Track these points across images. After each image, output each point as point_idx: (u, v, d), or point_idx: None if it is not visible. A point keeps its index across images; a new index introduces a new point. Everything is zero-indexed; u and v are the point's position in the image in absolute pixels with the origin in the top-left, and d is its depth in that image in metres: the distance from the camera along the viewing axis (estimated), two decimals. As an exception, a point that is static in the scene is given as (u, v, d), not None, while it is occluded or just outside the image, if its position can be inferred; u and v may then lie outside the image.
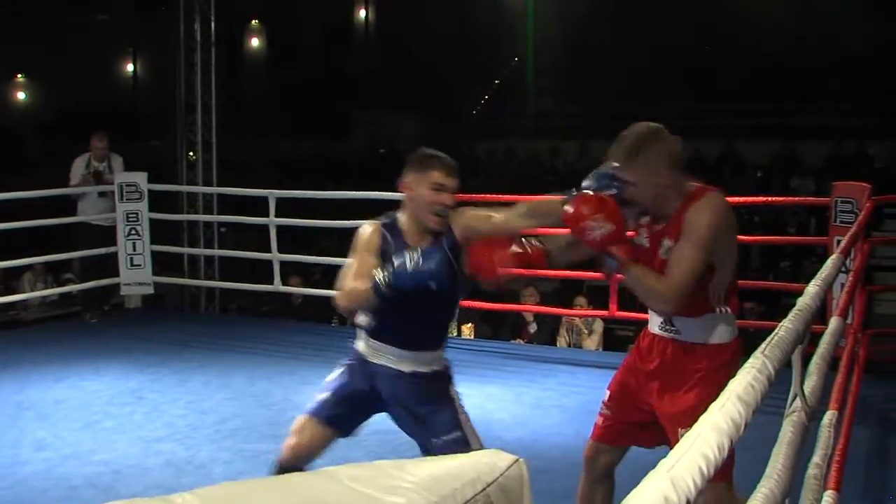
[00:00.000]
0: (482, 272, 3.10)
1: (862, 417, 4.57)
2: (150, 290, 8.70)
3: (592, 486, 3.28)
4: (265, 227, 8.10)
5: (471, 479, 1.21)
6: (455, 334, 8.07)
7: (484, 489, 1.20)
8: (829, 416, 2.81)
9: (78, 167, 8.39)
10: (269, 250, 8.08)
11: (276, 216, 8.04)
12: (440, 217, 3.17)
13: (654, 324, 3.06)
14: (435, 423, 3.24)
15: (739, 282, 3.09)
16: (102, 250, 8.35)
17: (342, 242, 12.91)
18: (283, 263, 8.22)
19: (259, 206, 8.24)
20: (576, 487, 3.34)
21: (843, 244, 3.30)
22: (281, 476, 1.27)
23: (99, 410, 5.58)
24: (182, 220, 9.92)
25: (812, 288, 2.23)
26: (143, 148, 15.11)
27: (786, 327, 1.71)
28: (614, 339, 8.82)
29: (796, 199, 10.69)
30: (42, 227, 8.13)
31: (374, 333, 3.29)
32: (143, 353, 7.06)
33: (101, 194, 8.41)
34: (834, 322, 3.04)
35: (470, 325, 8.11)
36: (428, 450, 3.22)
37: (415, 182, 3.19)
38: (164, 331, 8.01)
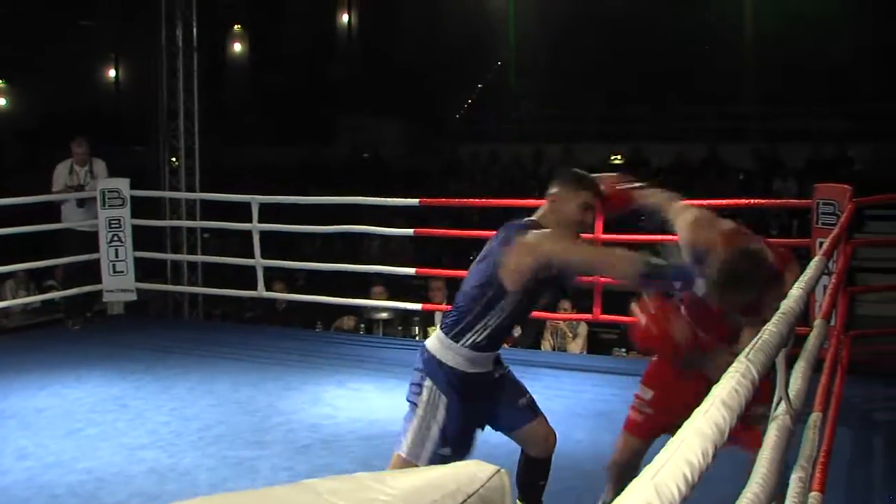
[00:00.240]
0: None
1: (845, 418, 4.59)
2: (133, 297, 8.66)
3: (625, 478, 3.32)
4: (249, 233, 8.08)
5: (451, 490, 1.20)
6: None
7: (464, 501, 1.19)
8: (813, 418, 2.82)
9: (60, 173, 8.35)
10: (252, 256, 8.06)
11: (260, 222, 8.02)
12: (579, 234, 3.33)
13: None
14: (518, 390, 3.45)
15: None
16: (84, 257, 8.31)
17: (326, 248, 12.94)
18: (266, 269, 8.20)
19: (243, 212, 8.22)
20: (562, 490, 3.36)
21: (825, 246, 3.32)
22: (259, 490, 1.26)
23: (82, 418, 5.54)
24: (165, 227, 9.89)
25: (795, 291, 2.24)
26: (126, 154, 15.05)
27: (770, 331, 1.71)
28: (598, 343, 8.84)
29: (778, 201, 10.72)
30: (24, 233, 8.08)
31: (485, 346, 3.23)
32: (127, 360, 7.02)
33: (80, 203, 8.37)
34: (818, 325, 3.05)
35: (454, 329, 8.10)
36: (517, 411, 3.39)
37: (563, 197, 3.27)
38: (147, 337, 7.97)
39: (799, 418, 2.32)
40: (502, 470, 1.26)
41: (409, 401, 3.29)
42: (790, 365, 2.68)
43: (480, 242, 13.20)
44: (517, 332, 8.22)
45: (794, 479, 2.22)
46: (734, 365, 1.37)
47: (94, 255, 8.35)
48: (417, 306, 7.87)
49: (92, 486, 4.43)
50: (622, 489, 0.99)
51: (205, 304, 10.29)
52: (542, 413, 3.43)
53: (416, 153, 17.99)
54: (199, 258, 9.94)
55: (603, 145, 15.88)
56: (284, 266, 8.79)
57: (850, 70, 15.10)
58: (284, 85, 21.15)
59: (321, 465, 4.68)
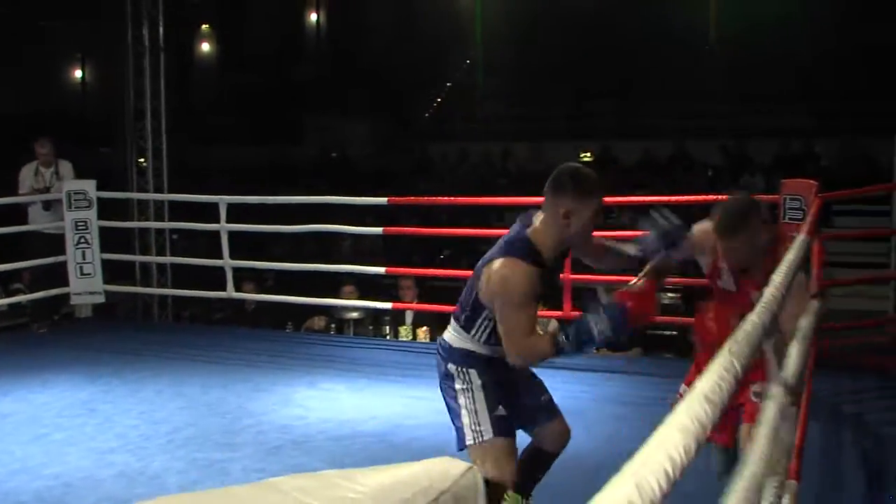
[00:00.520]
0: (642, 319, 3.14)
1: (814, 412, 4.62)
2: (102, 299, 8.58)
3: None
4: (218, 234, 8.02)
5: (423, 487, 1.18)
6: (410, 338, 8.05)
7: (437, 497, 1.18)
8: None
9: (26, 175, 8.28)
10: (221, 257, 8.01)
11: (229, 222, 7.97)
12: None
13: None
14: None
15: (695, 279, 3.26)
16: (51, 259, 8.22)
17: (297, 248, 12.87)
18: (236, 270, 8.15)
19: (211, 213, 8.16)
20: (541, 486, 3.37)
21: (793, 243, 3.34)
22: (225, 489, 1.24)
23: (48, 423, 5.47)
24: (133, 228, 9.80)
25: (776, 278, 2.22)
26: (93, 155, 14.90)
27: (752, 321, 1.69)
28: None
29: (746, 197, 10.74)
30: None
31: (496, 340, 3.18)
32: (95, 364, 6.95)
33: (47, 206, 8.29)
34: (814, 303, 3.10)
35: (425, 328, 8.09)
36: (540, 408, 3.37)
37: (579, 206, 3.05)
38: (115, 340, 7.90)
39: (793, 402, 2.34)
40: (475, 467, 1.24)
41: (447, 403, 3.28)
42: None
43: (450, 240, 13.25)
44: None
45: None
46: (717, 358, 1.36)
47: (61, 258, 8.26)
48: (388, 305, 7.85)
49: (59, 491, 4.38)
50: None
51: (174, 305, 10.20)
52: (559, 410, 3.43)
53: (385, 153, 17.96)
54: (168, 259, 9.86)
55: (571, 143, 15.91)
56: (254, 266, 8.75)
57: (815, 67, 15.25)
58: (252, 85, 21.00)
59: (293, 466, 4.65)
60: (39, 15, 20.46)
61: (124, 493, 4.30)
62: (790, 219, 5.87)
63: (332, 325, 8.85)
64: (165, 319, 10.00)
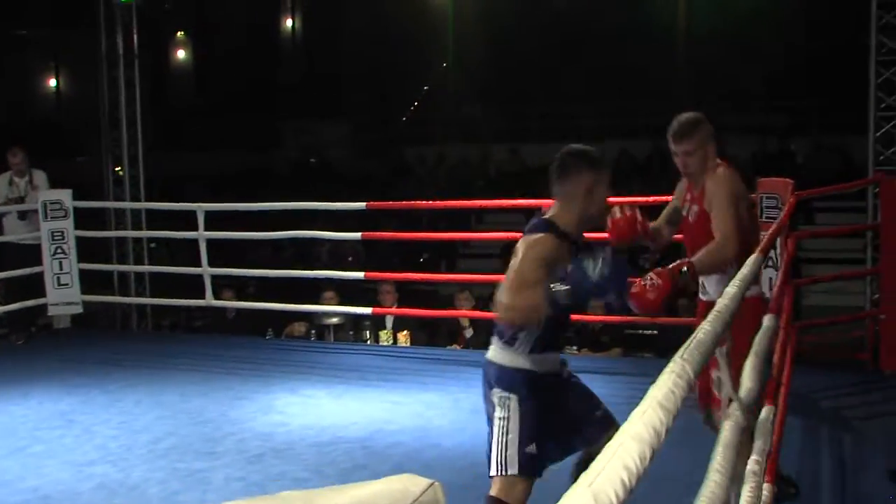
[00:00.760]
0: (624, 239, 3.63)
1: (792, 407, 4.65)
2: (79, 310, 8.53)
3: None
4: (197, 241, 7.99)
5: (383, 507, 1.17)
6: (391, 342, 8.05)
7: (398, 517, 1.17)
8: (766, 412, 2.84)
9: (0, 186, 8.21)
10: (200, 264, 7.98)
11: (209, 229, 7.94)
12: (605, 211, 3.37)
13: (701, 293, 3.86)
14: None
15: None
16: (27, 270, 8.16)
17: (277, 254, 12.81)
18: (215, 277, 8.12)
19: (190, 220, 8.13)
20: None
21: (764, 242, 3.35)
22: None
23: (26, 435, 5.43)
24: (110, 237, 9.74)
25: (731, 289, 2.26)
26: (69, 165, 14.80)
27: (704, 329, 1.72)
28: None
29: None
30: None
31: (542, 346, 3.12)
32: (73, 375, 6.90)
33: (22, 216, 8.23)
34: (767, 320, 3.09)
35: (406, 332, 8.08)
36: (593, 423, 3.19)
37: (598, 177, 3.16)
38: (94, 351, 7.85)
39: (751, 412, 2.35)
40: (436, 483, 1.23)
41: (488, 423, 3.19)
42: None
43: (429, 244, 13.21)
44: (469, 332, 8.24)
45: (749, 472, 2.24)
46: (670, 365, 1.37)
47: (38, 269, 8.20)
48: (367, 311, 7.84)
49: (38, 504, 4.35)
50: None
51: (153, 314, 10.15)
52: (613, 416, 3.24)
53: (363, 156, 17.95)
54: (146, 268, 9.81)
55: (548, 145, 15.91)
56: (232, 274, 8.72)
57: (789, 66, 15.39)
58: (229, 91, 20.96)
59: (274, 474, 4.64)
60: (14, 24, 20.32)
61: (104, 505, 4.27)
62: (767, 217, 5.90)
63: (313, 331, 8.83)
64: (145, 328, 9.95)
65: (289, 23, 22.59)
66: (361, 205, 7.87)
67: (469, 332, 8.27)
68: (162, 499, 4.36)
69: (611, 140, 15.21)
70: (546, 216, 3.17)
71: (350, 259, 12.11)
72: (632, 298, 3.17)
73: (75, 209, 8.30)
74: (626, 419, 1.18)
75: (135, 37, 9.91)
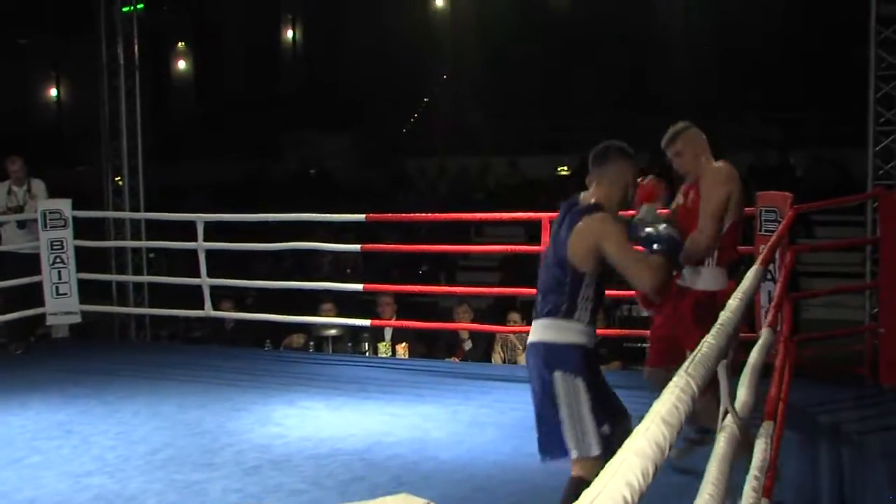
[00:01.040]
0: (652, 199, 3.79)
1: (790, 422, 4.64)
2: (78, 319, 8.52)
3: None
4: (196, 252, 7.99)
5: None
6: (389, 354, 8.04)
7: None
8: (765, 427, 2.83)
9: (-2, 194, 8.23)
10: (199, 275, 7.98)
11: (208, 240, 7.94)
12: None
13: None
14: None
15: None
16: (26, 280, 8.15)
17: (277, 265, 12.79)
18: (215, 288, 8.11)
19: (190, 231, 8.13)
20: (513, 500, 3.36)
21: (762, 255, 3.36)
22: None
23: (24, 446, 5.41)
24: (109, 247, 9.74)
25: (733, 302, 2.26)
26: (69, 174, 14.82)
27: (708, 343, 1.72)
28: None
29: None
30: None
31: (590, 320, 3.33)
32: (71, 385, 6.89)
33: (21, 225, 8.23)
34: (765, 333, 3.09)
35: (404, 344, 8.07)
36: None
37: (628, 168, 3.46)
38: (92, 361, 7.83)
39: (749, 426, 2.34)
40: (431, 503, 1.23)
41: (539, 412, 3.31)
42: (738, 373, 2.71)
43: (429, 256, 13.21)
44: (468, 345, 8.24)
45: (748, 489, 2.24)
46: (674, 379, 1.37)
47: (37, 278, 8.20)
48: (366, 322, 7.83)
49: (35, 515, 4.33)
50: None
51: (152, 324, 10.15)
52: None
53: (364, 168, 17.96)
54: (145, 279, 9.81)
55: (549, 157, 15.97)
56: (231, 285, 8.71)
57: (787, 77, 15.40)
58: (229, 101, 21.00)
59: (272, 486, 4.63)
60: (15, 33, 20.38)
61: (101, 517, 4.25)
62: (766, 231, 5.90)
63: (311, 343, 8.82)
64: (143, 339, 9.94)
65: (289, 34, 22.64)
66: (361, 217, 7.87)
67: (468, 345, 8.27)
68: (159, 510, 4.34)
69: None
70: (593, 199, 3.38)
71: (349, 271, 12.12)
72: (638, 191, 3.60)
73: (74, 219, 8.30)
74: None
75: (136, 47, 9.94)
